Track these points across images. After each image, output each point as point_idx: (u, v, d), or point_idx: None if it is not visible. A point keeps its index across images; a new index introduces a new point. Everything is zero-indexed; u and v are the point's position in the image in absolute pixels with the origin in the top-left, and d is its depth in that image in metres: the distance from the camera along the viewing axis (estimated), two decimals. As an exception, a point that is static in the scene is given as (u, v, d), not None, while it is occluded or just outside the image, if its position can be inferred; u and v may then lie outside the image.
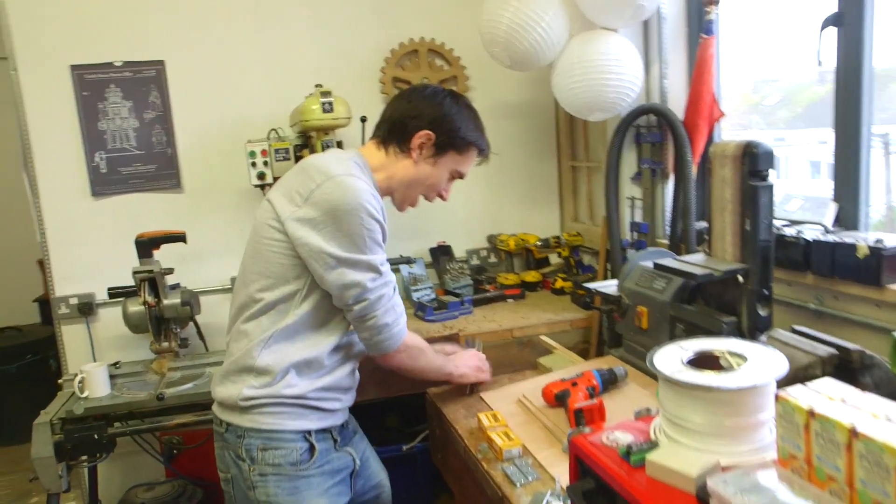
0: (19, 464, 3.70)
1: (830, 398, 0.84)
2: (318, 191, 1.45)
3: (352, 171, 1.49)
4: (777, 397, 0.87)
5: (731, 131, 2.60)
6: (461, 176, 1.69)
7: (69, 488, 2.26)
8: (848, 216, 1.91)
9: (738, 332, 1.58)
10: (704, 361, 1.04)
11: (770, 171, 1.53)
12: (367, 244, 1.46)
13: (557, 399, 1.63)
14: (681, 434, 0.98)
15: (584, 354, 2.57)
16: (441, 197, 1.70)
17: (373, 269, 1.48)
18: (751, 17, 2.45)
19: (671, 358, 1.04)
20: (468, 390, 1.92)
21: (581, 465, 1.07)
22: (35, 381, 4.01)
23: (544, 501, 1.29)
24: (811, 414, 0.82)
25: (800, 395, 0.86)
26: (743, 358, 1.01)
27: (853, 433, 0.76)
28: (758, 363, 0.98)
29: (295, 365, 1.52)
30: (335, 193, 1.43)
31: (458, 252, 3.11)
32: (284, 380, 1.51)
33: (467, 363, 1.87)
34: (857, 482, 0.76)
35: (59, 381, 2.48)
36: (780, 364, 0.97)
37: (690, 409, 0.97)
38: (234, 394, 1.52)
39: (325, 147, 2.50)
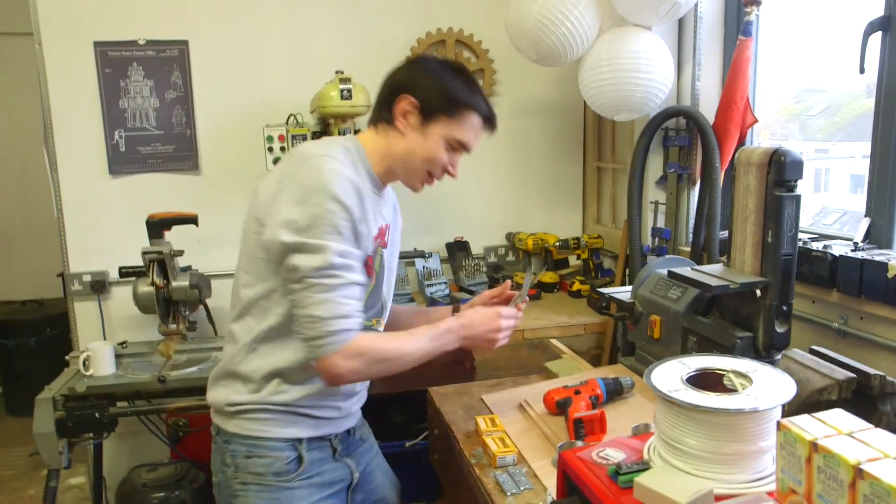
0: (33, 435, 3.74)
1: (838, 430, 0.77)
2: (294, 174, 1.34)
3: (333, 153, 1.36)
4: (779, 425, 0.80)
5: (770, 141, 2.50)
6: (465, 147, 1.46)
7: (70, 465, 2.26)
8: (880, 233, 1.81)
9: (753, 349, 1.50)
10: (706, 380, 0.97)
11: (797, 181, 1.44)
12: (322, 228, 1.28)
13: (559, 406, 1.56)
14: (675, 457, 0.92)
15: (597, 361, 2.50)
16: (449, 173, 1.49)
17: (322, 253, 1.28)
18: (795, 21, 2.34)
19: (671, 374, 0.97)
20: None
21: (568, 481, 1.01)
22: (53, 355, 4.03)
23: (533, 515, 1.23)
24: (814, 446, 0.74)
25: (804, 424, 0.79)
26: (748, 379, 0.94)
27: (858, 472, 0.69)
28: (763, 386, 0.91)
29: (283, 370, 1.42)
30: (306, 174, 1.31)
31: (476, 249, 3.05)
32: (271, 385, 1.42)
33: (475, 331, 1.47)
34: (859, 526, 0.69)
35: (67, 357, 2.49)
36: (787, 388, 0.89)
37: (687, 431, 0.90)
38: (222, 398, 1.46)
39: (343, 134, 2.46)
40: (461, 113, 1.43)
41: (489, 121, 1.48)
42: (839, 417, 0.80)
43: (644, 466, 0.93)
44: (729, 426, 0.87)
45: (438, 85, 1.42)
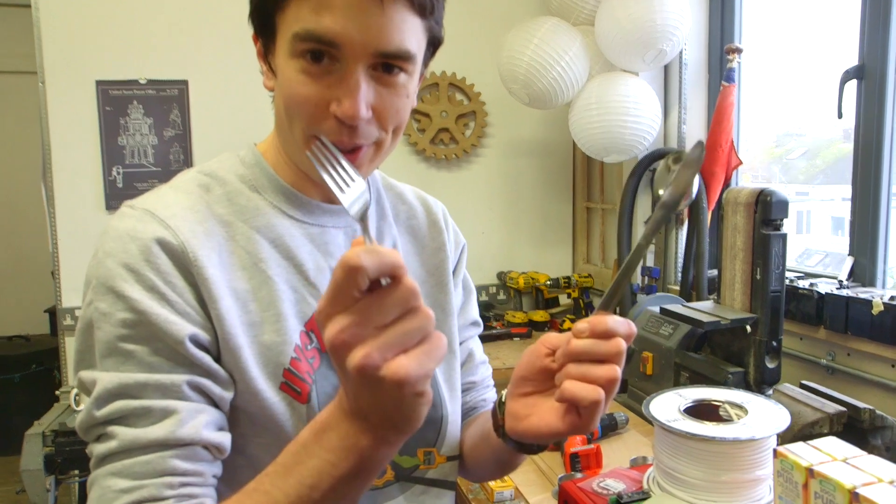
0: (16, 474, 3.66)
1: (833, 457, 0.80)
2: None
3: (146, 201, 0.77)
4: (776, 453, 0.83)
5: (753, 182, 2.58)
6: (319, 38, 0.69)
7: (56, 502, 2.23)
8: (864, 271, 1.87)
9: (745, 384, 1.53)
10: (703, 411, 1.00)
11: (783, 220, 1.50)
12: (95, 348, 0.70)
13: (554, 442, 1.58)
14: (674, 486, 0.94)
15: (589, 398, 2.51)
16: (338, 117, 0.71)
17: (91, 394, 0.69)
18: (778, 68, 2.44)
19: (668, 405, 1.00)
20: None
21: (569, 512, 1.02)
22: (38, 392, 4.01)
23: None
24: (811, 472, 0.77)
25: (800, 451, 0.82)
26: (744, 410, 0.97)
27: (854, 496, 0.72)
28: (759, 416, 0.94)
29: None
30: (92, 256, 0.74)
31: (467, 287, 3.08)
32: None
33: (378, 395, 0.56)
34: (856, 549, 0.71)
35: (57, 392, 2.47)
36: (781, 418, 0.93)
37: (685, 461, 0.93)
38: None
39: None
40: None
41: None
42: (833, 445, 0.83)
43: (644, 496, 0.95)
44: (726, 455, 0.90)
45: None
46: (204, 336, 0.71)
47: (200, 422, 0.68)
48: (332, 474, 0.60)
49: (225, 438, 0.71)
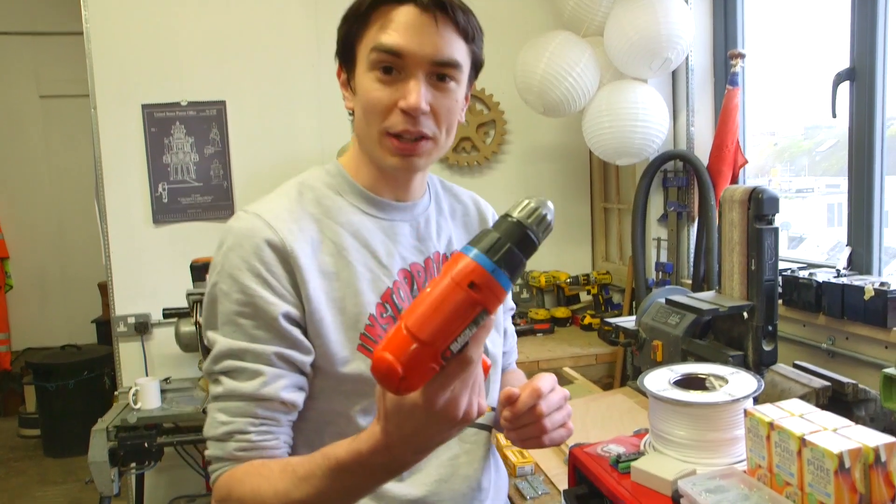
0: (73, 474, 3.92)
1: (791, 413, 0.95)
2: None
3: (257, 206, 0.98)
4: (746, 412, 0.98)
5: (781, 179, 2.68)
6: (390, 50, 0.91)
7: (120, 492, 2.44)
8: (861, 260, 1.99)
9: (745, 366, 1.67)
10: (691, 383, 1.15)
11: (775, 215, 1.63)
12: (216, 317, 0.93)
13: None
14: (666, 446, 1.09)
15: (608, 388, 2.65)
16: (403, 110, 0.92)
17: (211, 350, 0.94)
18: (797, 63, 2.50)
19: (660, 379, 1.16)
20: None
21: (578, 473, 1.18)
22: (90, 397, 4.25)
23: (549, 513, 1.39)
24: (771, 426, 0.92)
25: (766, 410, 0.97)
26: (725, 380, 1.12)
27: (803, 441, 0.87)
28: (737, 384, 1.09)
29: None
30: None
31: (492, 287, 3.23)
32: None
33: (422, 440, 0.73)
34: (805, 486, 0.86)
35: (116, 392, 2.68)
36: (755, 385, 1.07)
37: (674, 424, 1.08)
38: None
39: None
40: (366, 19, 0.95)
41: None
42: (795, 405, 0.98)
43: (640, 455, 1.10)
44: (707, 417, 1.05)
45: (341, 24, 1.00)
46: (295, 312, 0.93)
47: (280, 385, 0.91)
48: (363, 491, 0.81)
49: (298, 397, 0.94)
